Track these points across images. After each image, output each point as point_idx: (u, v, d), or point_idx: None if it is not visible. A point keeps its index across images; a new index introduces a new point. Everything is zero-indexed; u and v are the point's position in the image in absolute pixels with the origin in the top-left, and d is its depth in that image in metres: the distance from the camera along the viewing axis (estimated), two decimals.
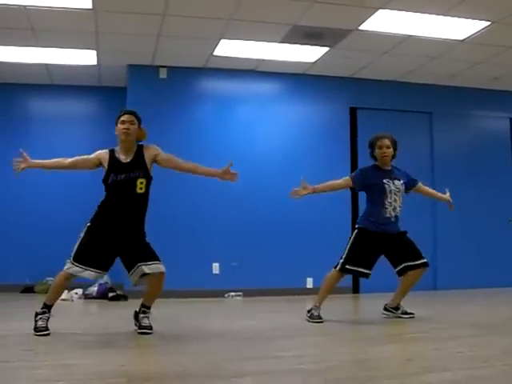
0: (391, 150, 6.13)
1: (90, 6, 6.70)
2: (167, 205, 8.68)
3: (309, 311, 5.96)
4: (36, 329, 4.90)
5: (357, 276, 6.21)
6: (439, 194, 6.60)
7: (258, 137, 9.15)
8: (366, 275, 5.99)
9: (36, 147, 9.33)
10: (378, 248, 5.95)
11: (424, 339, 4.83)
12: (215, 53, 8.38)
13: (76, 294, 8.24)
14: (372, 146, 6.18)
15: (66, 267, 4.97)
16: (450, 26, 7.25)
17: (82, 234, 5.06)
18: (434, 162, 9.69)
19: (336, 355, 4.25)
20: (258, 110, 9.24)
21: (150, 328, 5.11)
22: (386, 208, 5.92)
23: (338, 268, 5.90)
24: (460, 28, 7.33)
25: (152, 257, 5.11)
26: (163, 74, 8.93)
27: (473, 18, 7.04)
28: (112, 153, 5.17)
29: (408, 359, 3.96)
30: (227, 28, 7.46)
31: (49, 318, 5.02)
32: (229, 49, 8.23)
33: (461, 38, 7.64)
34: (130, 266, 5.11)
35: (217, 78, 9.19)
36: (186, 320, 6.38)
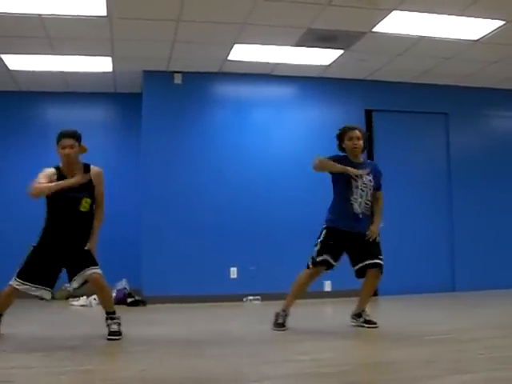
0: (362, 142, 5.79)
1: (104, 13, 6.74)
2: (184, 210, 8.72)
3: (276, 315, 5.78)
4: None
5: (324, 267, 5.75)
6: (377, 219, 5.84)
7: (273, 140, 9.15)
8: (332, 266, 5.72)
9: (54, 154, 9.50)
10: (344, 245, 5.69)
11: (444, 341, 4.80)
12: (230, 57, 8.40)
13: (95, 299, 8.25)
14: (341, 137, 5.86)
15: (12, 282, 5.07)
16: (464, 26, 7.22)
17: (27, 254, 5.16)
18: (450, 163, 9.64)
19: (355, 358, 4.25)
20: (273, 114, 9.24)
21: (119, 334, 5.12)
22: (352, 203, 5.63)
23: (309, 264, 5.77)
24: (474, 28, 7.30)
25: (84, 264, 5.13)
26: (178, 79, 8.95)
27: (487, 18, 7.00)
28: (58, 171, 5.24)
29: (428, 361, 3.94)
30: (241, 32, 7.48)
31: None
32: (243, 53, 8.25)
33: (475, 38, 7.60)
34: (71, 276, 5.19)
35: (232, 83, 9.20)
36: (204, 325, 6.39)
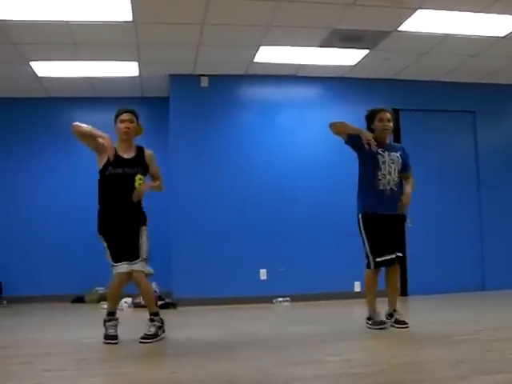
0: (392, 124, 5.81)
1: (130, 18, 6.80)
2: (212, 212, 8.75)
3: (369, 319, 5.68)
4: (106, 336, 5.06)
5: (388, 264, 5.65)
6: (408, 186, 5.82)
7: (299, 142, 9.15)
8: (394, 260, 5.63)
9: (82, 159, 9.60)
10: (384, 230, 5.59)
11: (474, 341, 4.77)
12: (255, 60, 8.42)
13: (126, 303, 8.34)
14: (371, 118, 5.83)
15: (116, 270, 5.10)
16: (490, 22, 7.16)
17: (103, 244, 5.18)
18: (478, 161, 9.57)
19: (386, 358, 4.24)
20: (299, 115, 9.24)
21: (152, 337, 5.09)
22: (380, 180, 5.60)
23: (371, 267, 5.64)
24: (500, 25, 7.24)
25: (133, 256, 5.15)
26: (204, 82, 8.99)
27: None
28: (115, 149, 5.20)
29: (458, 361, 3.92)
30: (266, 34, 7.49)
31: (117, 324, 5.18)
32: (269, 55, 8.27)
33: (502, 34, 7.54)
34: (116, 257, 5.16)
35: (258, 85, 9.22)
36: (234, 326, 6.41)
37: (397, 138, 9.29)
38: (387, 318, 5.78)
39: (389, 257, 5.60)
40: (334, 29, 7.36)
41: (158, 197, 9.32)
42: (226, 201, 8.83)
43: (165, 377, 3.73)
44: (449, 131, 9.57)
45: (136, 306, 8.39)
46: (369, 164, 5.67)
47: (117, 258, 5.09)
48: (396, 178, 5.68)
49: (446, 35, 7.57)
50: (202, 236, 8.71)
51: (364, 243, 5.70)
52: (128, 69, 8.62)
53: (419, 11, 6.79)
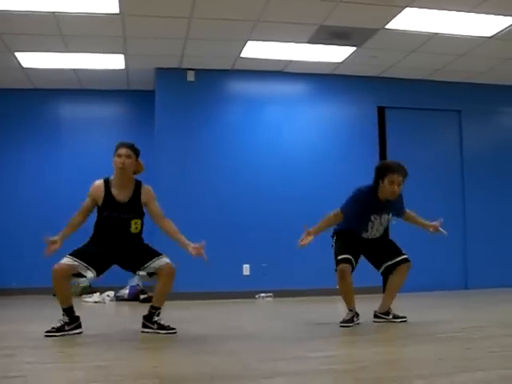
0: (401, 188, 5.49)
1: (117, 10, 6.77)
2: (197, 207, 8.73)
3: (346, 315, 5.69)
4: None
5: (349, 263, 5.57)
6: (426, 222, 5.97)
7: (286, 138, 9.16)
8: (353, 264, 5.60)
9: (67, 150, 9.60)
10: (360, 247, 5.68)
11: (456, 339, 4.78)
12: (242, 55, 8.41)
13: (108, 296, 8.33)
14: (381, 174, 5.46)
15: (62, 260, 4.96)
16: (477, 22, 7.20)
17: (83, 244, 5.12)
18: (463, 160, 9.61)
19: (368, 355, 4.24)
20: (285, 111, 9.25)
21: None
22: (362, 234, 5.70)
23: (335, 269, 5.68)
24: (488, 24, 7.28)
25: (154, 255, 5.26)
26: (191, 76, 8.98)
27: (501, 14, 6.99)
28: (107, 186, 5.11)
29: (440, 359, 3.92)
30: (254, 30, 7.49)
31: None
32: (256, 50, 8.26)
33: (489, 34, 7.58)
34: (133, 269, 5.21)
35: (244, 80, 9.22)
36: (217, 321, 6.41)
37: (382, 137, 9.34)
38: (376, 316, 5.86)
39: (349, 256, 5.59)
40: (322, 25, 7.36)
41: None
42: (210, 196, 8.81)
43: (146, 370, 3.71)
44: (434, 130, 9.61)
45: (118, 299, 8.38)
46: (359, 221, 5.65)
47: (76, 255, 4.97)
48: (381, 231, 5.77)
49: (434, 34, 7.59)
50: (185, 231, 8.63)
51: (334, 255, 5.77)
52: (114, 61, 8.59)
53: (407, 9, 6.81)
